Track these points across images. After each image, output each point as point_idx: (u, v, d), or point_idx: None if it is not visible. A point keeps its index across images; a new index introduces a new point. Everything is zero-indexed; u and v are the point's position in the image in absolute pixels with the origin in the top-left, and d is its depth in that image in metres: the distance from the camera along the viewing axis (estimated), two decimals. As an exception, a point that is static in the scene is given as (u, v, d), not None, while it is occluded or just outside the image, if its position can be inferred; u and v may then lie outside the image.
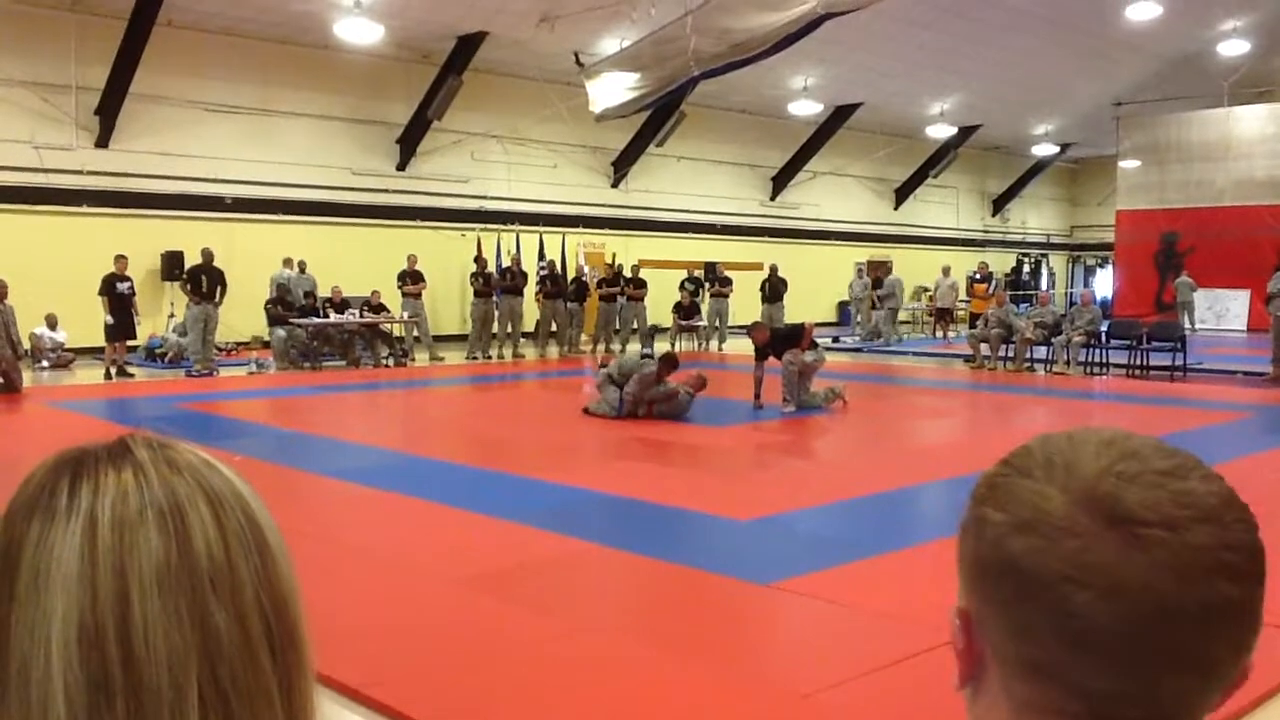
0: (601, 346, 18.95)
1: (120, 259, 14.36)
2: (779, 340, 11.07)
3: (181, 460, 0.64)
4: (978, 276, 20.66)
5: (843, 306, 24.98)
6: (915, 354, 19.21)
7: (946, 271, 22.38)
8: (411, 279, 17.37)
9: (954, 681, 0.68)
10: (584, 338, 19.34)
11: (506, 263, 18.81)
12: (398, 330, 17.12)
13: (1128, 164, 26.44)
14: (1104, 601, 0.59)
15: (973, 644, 0.66)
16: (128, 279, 14.42)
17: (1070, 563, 0.60)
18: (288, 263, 17.00)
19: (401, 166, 19.81)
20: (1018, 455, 0.66)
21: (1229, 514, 0.60)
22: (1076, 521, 0.60)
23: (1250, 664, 0.62)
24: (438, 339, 17.94)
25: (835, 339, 20.08)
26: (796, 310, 19.39)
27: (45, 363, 14.87)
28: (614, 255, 21.32)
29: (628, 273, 19.39)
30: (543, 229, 20.42)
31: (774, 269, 20.74)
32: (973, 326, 17.50)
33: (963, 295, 22.76)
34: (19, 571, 0.60)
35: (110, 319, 14.05)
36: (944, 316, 22.61)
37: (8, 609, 0.59)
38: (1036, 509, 0.62)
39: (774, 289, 20.36)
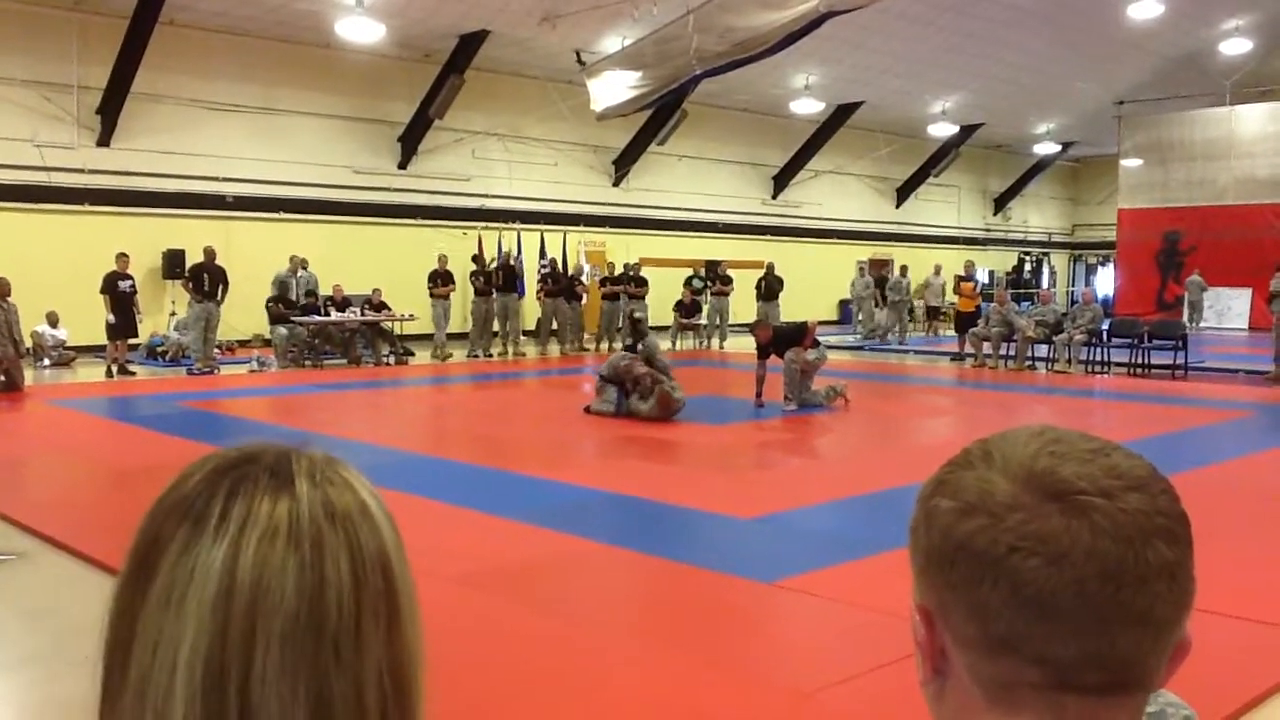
0: (605, 345, 18.92)
1: (122, 257, 14.38)
2: (781, 339, 11.07)
3: (339, 506, 0.62)
4: (964, 275, 20.69)
5: (844, 305, 25.04)
6: (916, 352, 19.22)
7: (938, 270, 22.37)
8: (442, 280, 17.25)
9: (919, 677, 0.70)
10: (586, 336, 19.31)
11: (503, 260, 18.78)
12: (398, 328, 17.12)
13: (1129, 163, 26.42)
14: (1052, 567, 0.61)
15: (934, 637, 0.68)
16: (129, 277, 14.44)
17: (1017, 534, 0.62)
18: (293, 260, 16.83)
19: (403, 165, 19.82)
20: (958, 456, 0.70)
21: (1155, 484, 0.64)
22: (1019, 498, 0.63)
23: (1190, 636, 0.65)
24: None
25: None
26: (799, 309, 19.37)
27: (47, 361, 14.88)
28: (609, 257, 21.29)
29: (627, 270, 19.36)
30: (544, 227, 20.41)
31: (770, 267, 20.71)
32: (959, 325, 17.47)
33: (951, 295, 22.75)
34: (156, 574, 0.59)
35: (112, 317, 14.07)
36: (935, 315, 22.75)
37: (139, 608, 0.59)
38: (981, 493, 0.65)
39: (769, 287, 20.32)
